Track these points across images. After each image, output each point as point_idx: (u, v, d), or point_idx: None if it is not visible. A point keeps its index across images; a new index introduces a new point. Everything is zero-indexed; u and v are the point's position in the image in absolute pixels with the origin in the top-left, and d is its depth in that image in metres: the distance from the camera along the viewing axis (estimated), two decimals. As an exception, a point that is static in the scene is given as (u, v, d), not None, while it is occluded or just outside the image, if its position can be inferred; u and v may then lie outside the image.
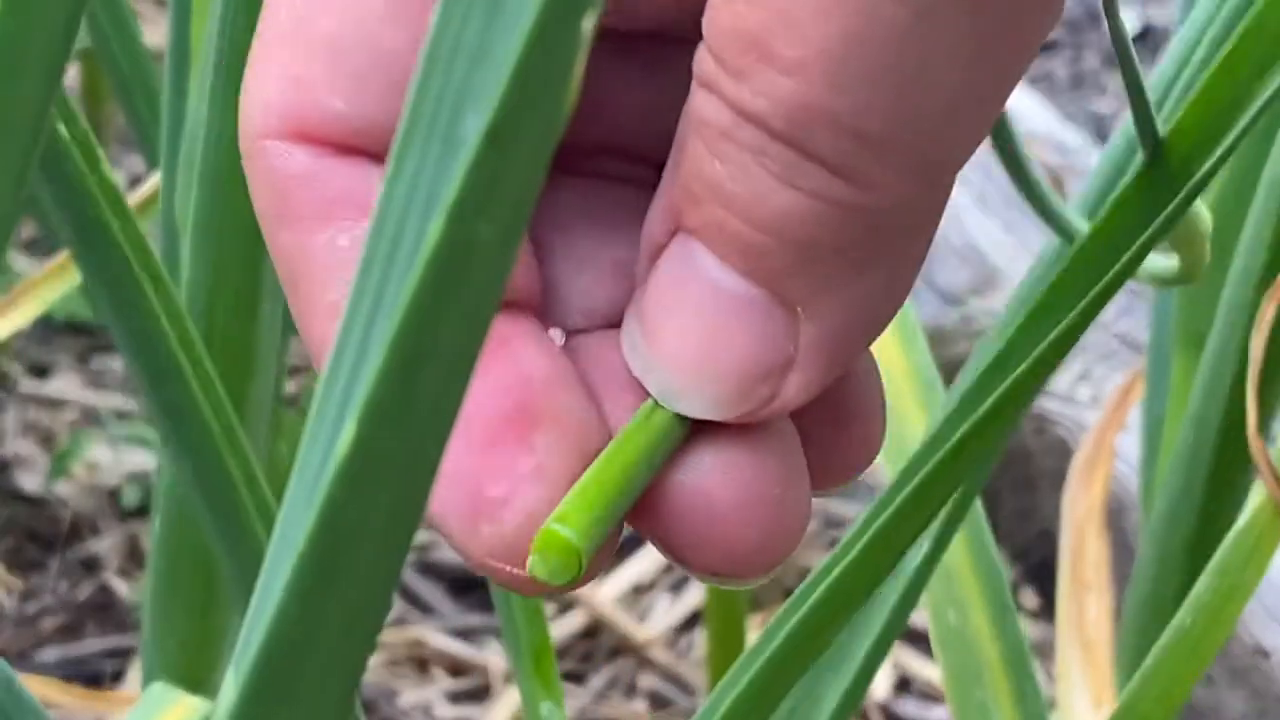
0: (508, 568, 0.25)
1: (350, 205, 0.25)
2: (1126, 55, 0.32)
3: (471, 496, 0.25)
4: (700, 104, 0.25)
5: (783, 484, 0.26)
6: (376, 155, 0.26)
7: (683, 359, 0.26)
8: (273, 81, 0.26)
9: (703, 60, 0.25)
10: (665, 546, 0.26)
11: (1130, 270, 0.31)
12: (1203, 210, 0.39)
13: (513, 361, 0.26)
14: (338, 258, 0.25)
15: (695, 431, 0.26)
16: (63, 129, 0.35)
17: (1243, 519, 0.53)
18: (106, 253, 0.36)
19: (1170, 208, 0.30)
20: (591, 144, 0.28)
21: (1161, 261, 0.37)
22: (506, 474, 0.25)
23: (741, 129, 0.25)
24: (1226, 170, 0.67)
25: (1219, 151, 0.30)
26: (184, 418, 0.37)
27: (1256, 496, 0.54)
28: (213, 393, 0.37)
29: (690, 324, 0.26)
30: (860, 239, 0.25)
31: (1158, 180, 0.31)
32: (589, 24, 0.16)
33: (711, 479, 0.26)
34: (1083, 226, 0.32)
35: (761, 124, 0.25)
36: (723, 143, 0.25)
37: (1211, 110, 0.30)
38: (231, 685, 0.20)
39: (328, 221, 0.25)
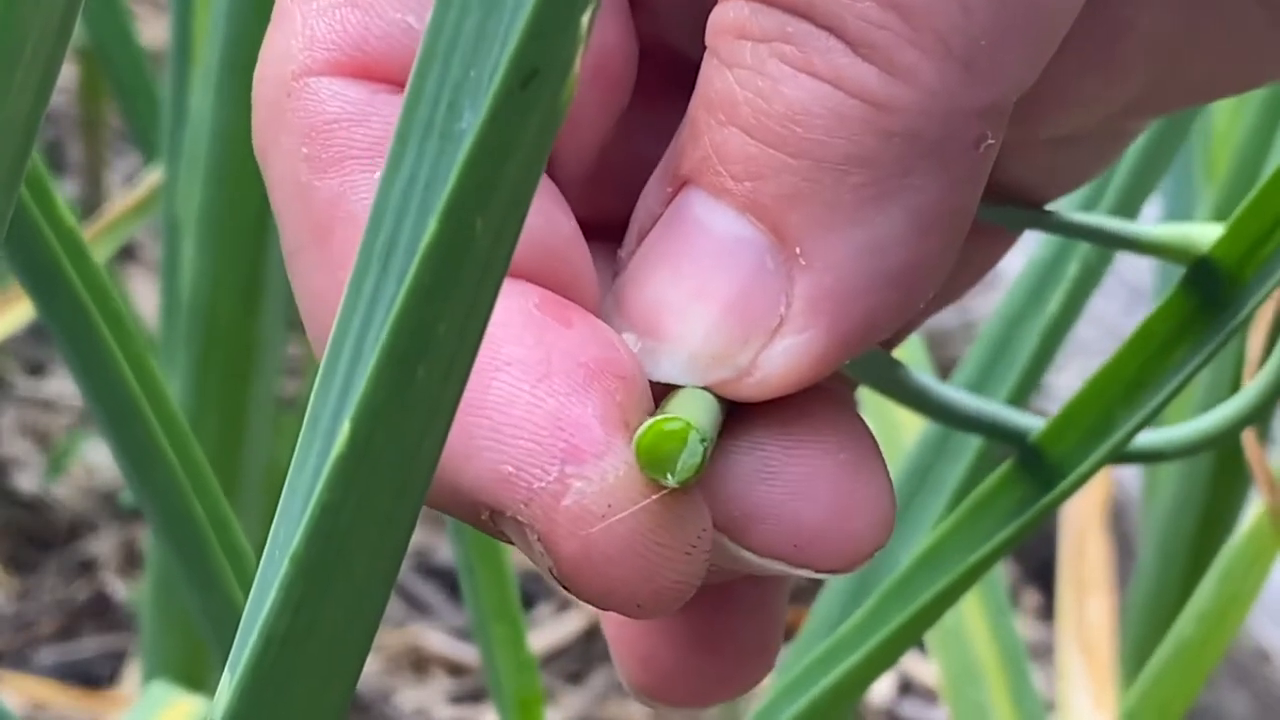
0: (605, 522, 0.21)
1: None
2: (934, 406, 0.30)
3: (558, 448, 0.22)
4: (717, 14, 0.23)
5: (847, 475, 0.23)
6: None
7: (657, 311, 0.23)
8: (319, 13, 0.23)
9: None
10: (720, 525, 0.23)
11: (994, 559, 0.30)
12: None
13: (591, 323, 0.23)
14: None
15: (750, 422, 0.23)
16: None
17: (1243, 527, 0.53)
18: (62, 297, 0.35)
19: (1041, 505, 0.29)
20: None
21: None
22: (604, 421, 0.22)
23: (760, 16, 0.22)
24: (1228, 171, 0.67)
25: (1095, 457, 0.28)
26: (149, 464, 0.37)
27: (1257, 504, 0.54)
28: (181, 440, 0.37)
29: (667, 276, 0.23)
30: (876, 153, 0.22)
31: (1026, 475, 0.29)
32: (586, 20, 0.16)
33: (764, 467, 0.23)
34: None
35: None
36: (735, 43, 0.22)
37: (1084, 422, 0.28)
38: (226, 686, 0.20)
39: (382, 159, 0.22)
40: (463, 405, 0.21)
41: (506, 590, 0.48)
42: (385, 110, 0.23)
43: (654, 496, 0.22)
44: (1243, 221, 0.27)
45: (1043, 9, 0.22)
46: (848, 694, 0.33)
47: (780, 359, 0.23)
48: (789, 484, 0.23)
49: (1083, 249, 0.50)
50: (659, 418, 0.22)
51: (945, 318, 0.99)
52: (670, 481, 0.22)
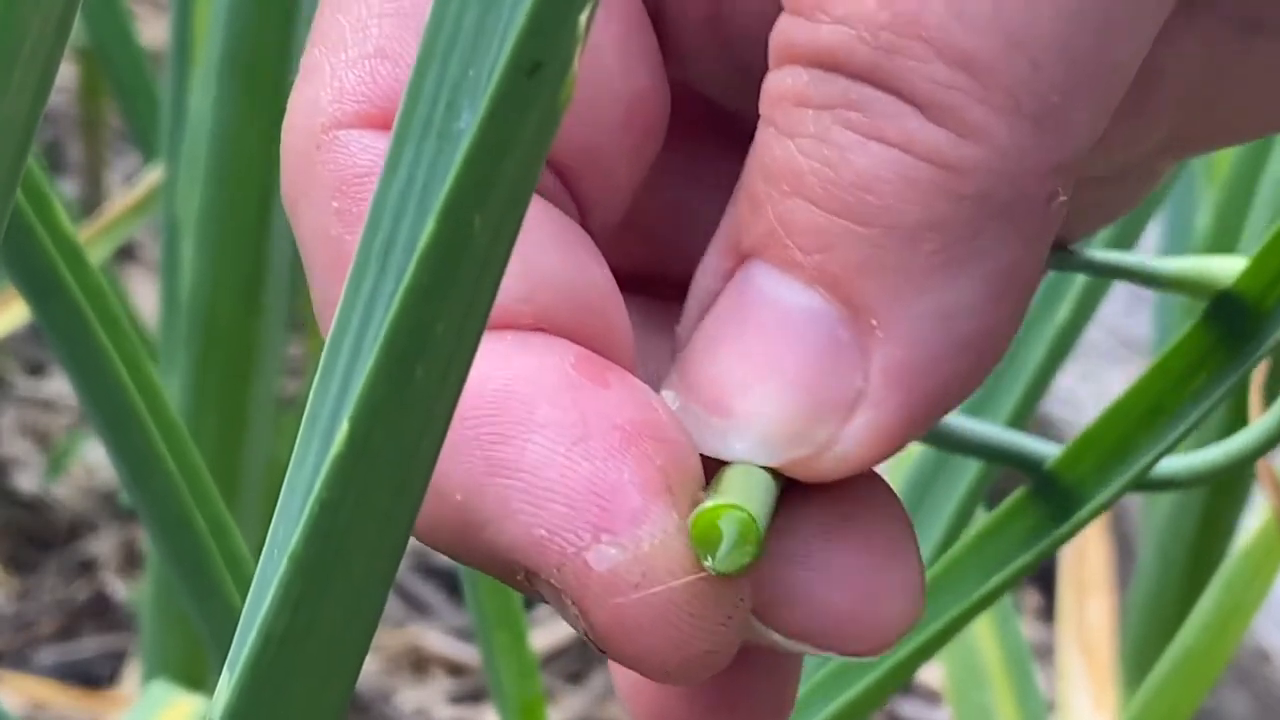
0: (639, 592, 0.21)
1: None
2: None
3: (593, 513, 0.21)
4: (772, 82, 0.22)
5: (880, 561, 0.23)
6: None
7: (725, 389, 0.22)
8: (349, 65, 0.23)
9: (776, 30, 0.22)
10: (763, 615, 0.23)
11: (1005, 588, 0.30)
12: None
13: (629, 384, 0.22)
14: None
15: (792, 495, 0.23)
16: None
17: (1247, 537, 0.53)
18: (59, 301, 0.35)
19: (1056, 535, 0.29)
20: None
21: None
22: (642, 486, 0.21)
23: (820, 83, 0.21)
24: (1228, 169, 0.67)
25: (1113, 487, 0.28)
26: (147, 469, 0.36)
27: (1261, 512, 0.54)
28: (179, 445, 0.37)
29: (735, 352, 0.22)
30: (949, 218, 0.21)
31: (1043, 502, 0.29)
32: (585, 19, 0.16)
33: (800, 550, 0.22)
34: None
35: (844, 64, 0.21)
36: (795, 111, 0.22)
37: (1100, 449, 0.28)
38: (225, 685, 0.20)
39: None
40: (500, 467, 0.21)
41: (508, 594, 0.48)
42: None
43: (695, 576, 0.21)
44: (1266, 255, 0.27)
45: (1109, 61, 0.22)
46: (856, 716, 0.33)
47: (860, 434, 0.22)
48: (823, 569, 0.23)
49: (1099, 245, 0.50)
50: (724, 502, 0.21)
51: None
52: (714, 568, 0.21)
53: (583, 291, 0.23)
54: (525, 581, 0.22)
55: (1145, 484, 0.31)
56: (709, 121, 0.26)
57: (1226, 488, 0.68)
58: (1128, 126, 0.25)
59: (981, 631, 0.58)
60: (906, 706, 0.93)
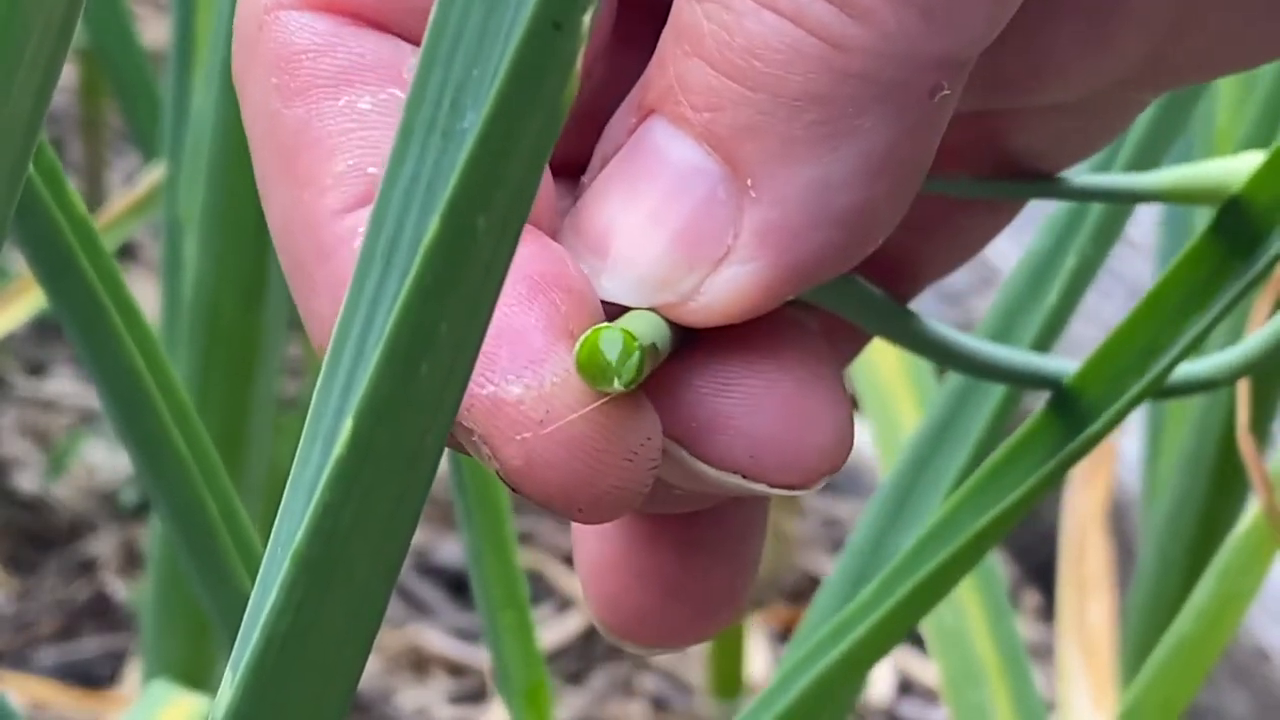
0: (544, 429, 0.22)
1: (374, 71, 0.23)
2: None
3: (499, 356, 0.22)
4: None
5: (803, 391, 0.24)
6: (403, 32, 0.24)
7: (608, 233, 0.23)
8: None
9: None
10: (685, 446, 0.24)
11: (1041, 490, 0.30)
12: None
13: (540, 240, 0.23)
14: (356, 120, 0.23)
15: (712, 344, 0.24)
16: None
17: (1242, 525, 0.53)
18: (76, 287, 0.35)
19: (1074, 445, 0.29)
20: None
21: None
22: (546, 330, 0.22)
23: None
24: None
25: (1130, 394, 0.28)
26: (159, 453, 0.37)
27: (1255, 502, 0.54)
28: (189, 427, 0.37)
29: (622, 200, 0.23)
30: (831, 92, 0.22)
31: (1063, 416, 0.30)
32: (588, 19, 0.16)
33: (723, 380, 0.24)
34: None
35: None
36: None
37: (1118, 364, 0.29)
38: (228, 685, 0.20)
39: (346, 87, 0.23)
40: None
41: (514, 579, 0.48)
42: (350, 42, 0.24)
43: (593, 405, 0.22)
44: (1276, 161, 0.27)
45: None
46: (891, 634, 0.33)
47: (724, 288, 0.23)
48: (744, 396, 0.24)
49: (1080, 241, 0.50)
50: (597, 327, 0.22)
51: (944, 315, 0.99)
52: (610, 388, 0.22)
53: None
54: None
55: (1164, 391, 0.31)
56: (651, 14, 0.26)
57: (1226, 488, 0.68)
58: (1094, 52, 0.25)
59: (977, 629, 0.58)
60: (904, 706, 0.93)
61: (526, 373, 0.22)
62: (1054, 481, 0.29)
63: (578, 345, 0.22)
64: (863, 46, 0.22)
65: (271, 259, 0.66)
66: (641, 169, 0.23)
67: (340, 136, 0.23)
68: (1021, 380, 0.30)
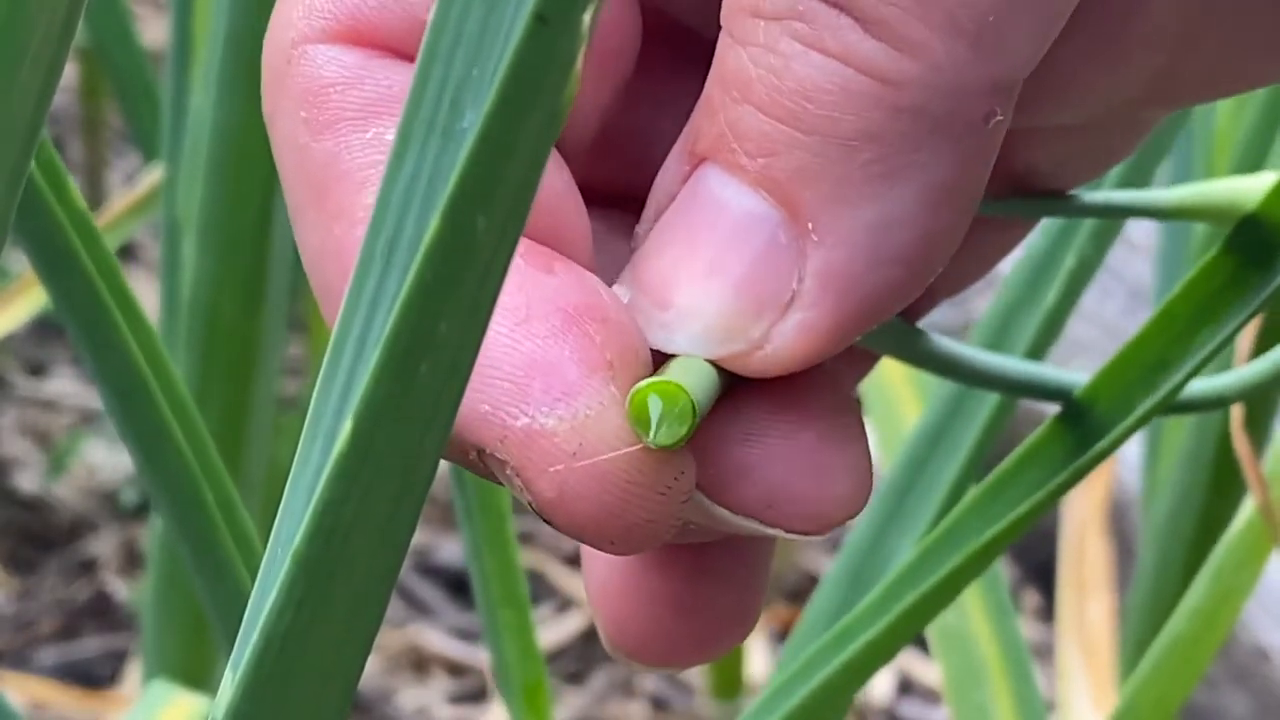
0: (577, 461, 0.22)
1: (400, 103, 0.23)
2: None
3: (533, 387, 0.22)
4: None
5: (826, 443, 0.24)
6: None
7: (670, 285, 0.23)
8: None
9: None
10: (716, 498, 0.24)
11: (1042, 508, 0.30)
12: None
13: (574, 272, 0.23)
14: (384, 152, 0.23)
15: (745, 384, 0.24)
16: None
17: (1237, 523, 0.53)
18: (75, 282, 0.35)
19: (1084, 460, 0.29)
20: None
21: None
22: (581, 362, 0.22)
23: None
24: (1229, 172, 0.67)
25: (1140, 410, 0.28)
26: (160, 450, 0.37)
27: (1251, 501, 0.54)
28: (189, 423, 0.37)
29: (683, 250, 0.23)
30: (885, 129, 0.22)
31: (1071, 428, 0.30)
32: (588, 18, 0.16)
33: (749, 430, 0.24)
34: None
35: None
36: (749, 21, 0.23)
37: (1128, 377, 0.29)
38: (229, 684, 0.20)
39: (374, 119, 0.24)
40: None
41: (514, 578, 0.48)
42: (378, 74, 0.24)
43: (632, 449, 0.22)
44: None
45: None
46: (895, 641, 0.33)
47: (790, 334, 0.23)
48: (767, 446, 0.24)
49: (1078, 242, 0.50)
50: (660, 379, 0.22)
51: (945, 316, 0.99)
52: (651, 442, 0.22)
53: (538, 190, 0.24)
54: (479, 461, 0.23)
55: (1173, 407, 0.31)
56: (680, 44, 0.26)
57: (1224, 488, 0.68)
58: (1107, 68, 0.25)
59: (979, 630, 0.58)
60: (905, 706, 0.93)
61: (560, 405, 0.22)
62: (1061, 494, 0.29)
63: (633, 391, 0.22)
64: (913, 80, 0.22)
65: (271, 259, 0.66)
66: (699, 219, 0.23)
67: (370, 169, 0.24)
68: (1032, 392, 0.30)
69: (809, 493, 0.24)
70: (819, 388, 0.24)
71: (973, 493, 0.31)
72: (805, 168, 0.23)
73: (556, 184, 0.24)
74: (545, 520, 0.23)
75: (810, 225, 0.23)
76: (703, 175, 0.23)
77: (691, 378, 0.23)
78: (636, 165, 0.26)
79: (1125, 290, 0.94)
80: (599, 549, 0.23)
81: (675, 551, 0.26)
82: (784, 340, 0.23)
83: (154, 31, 1.20)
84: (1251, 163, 0.65)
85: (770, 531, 0.24)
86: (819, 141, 0.22)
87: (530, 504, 0.23)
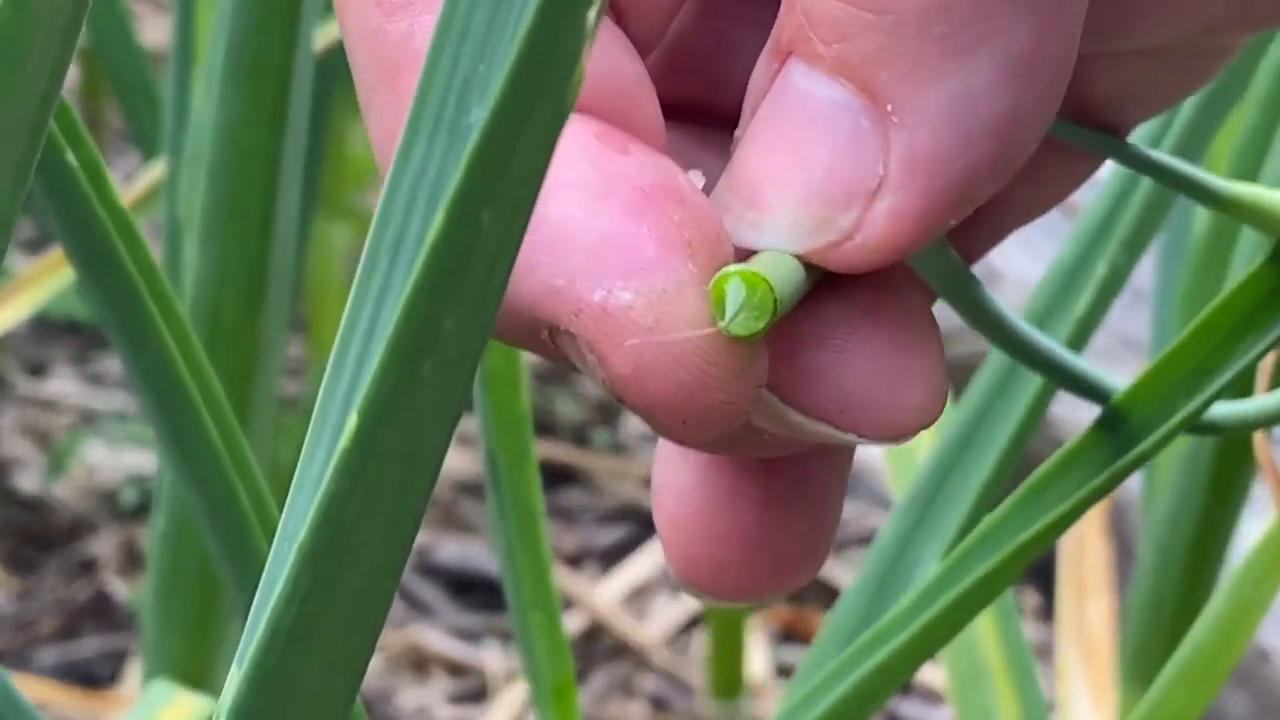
0: (653, 336, 0.22)
1: None
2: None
3: (610, 261, 0.22)
4: None
5: (900, 350, 0.23)
6: None
7: (758, 182, 0.23)
8: None
9: None
10: (798, 404, 0.24)
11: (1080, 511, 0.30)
12: None
13: (650, 153, 0.23)
14: None
15: (822, 288, 0.23)
16: (70, 156, 0.35)
17: (1259, 534, 0.53)
18: (115, 279, 0.36)
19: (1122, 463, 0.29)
20: None
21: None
22: (659, 240, 0.22)
23: None
24: (1226, 171, 0.67)
25: (1174, 420, 0.28)
26: (187, 434, 0.37)
27: (1263, 512, 0.54)
28: (220, 413, 0.37)
29: (768, 146, 0.23)
30: (956, 1, 0.22)
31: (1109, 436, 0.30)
32: (593, 15, 0.16)
33: (824, 333, 0.23)
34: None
35: None
36: None
37: (1167, 383, 0.29)
38: (235, 680, 0.20)
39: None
40: None
41: (545, 579, 0.48)
42: None
43: (709, 330, 0.22)
44: None
45: None
46: (938, 637, 0.33)
47: (881, 222, 0.23)
48: (843, 350, 0.23)
49: (1110, 250, 0.50)
50: (743, 267, 0.22)
51: (951, 315, 0.99)
52: (726, 328, 0.22)
53: (610, 76, 0.23)
54: (549, 342, 0.23)
55: (1198, 427, 0.31)
56: None
57: (1225, 490, 0.68)
58: None
59: (983, 631, 0.58)
60: (905, 706, 0.93)
61: (637, 280, 0.22)
62: (1098, 498, 0.29)
63: (714, 279, 0.22)
64: None
65: (272, 259, 0.66)
66: (784, 113, 0.23)
67: None
68: (1071, 383, 0.30)
69: (883, 399, 0.23)
70: (897, 296, 0.24)
71: (1012, 496, 0.31)
72: (880, 49, 0.22)
73: (627, 71, 0.24)
74: (618, 398, 0.23)
75: (890, 108, 0.22)
76: (787, 70, 0.23)
77: (776, 272, 0.23)
78: (717, 79, 0.26)
79: (1128, 291, 0.94)
80: (671, 433, 0.23)
81: (745, 484, 0.26)
82: (874, 229, 0.23)
83: (153, 32, 1.20)
84: (1250, 162, 0.65)
85: (843, 437, 0.24)
86: (891, 21, 0.22)
87: (603, 382, 0.23)
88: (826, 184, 0.23)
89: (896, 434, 0.24)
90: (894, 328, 0.24)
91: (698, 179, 0.24)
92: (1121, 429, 0.29)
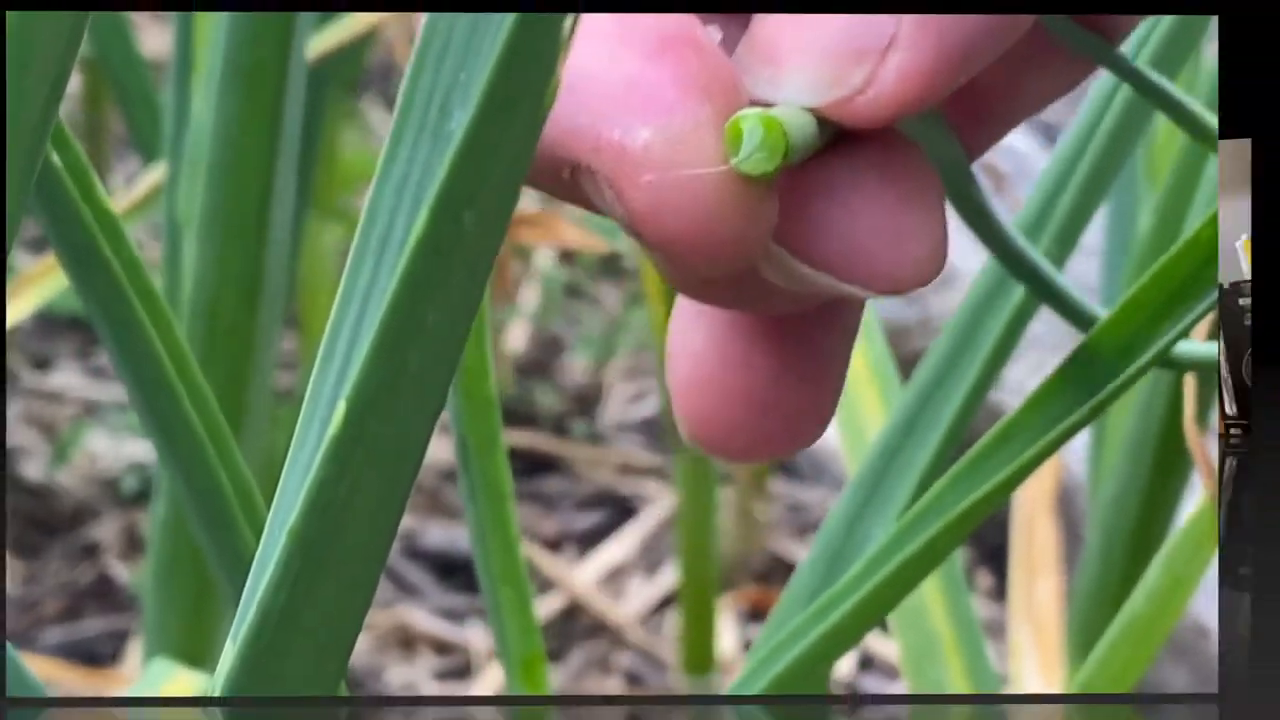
0: (671, 171, 0.22)
1: None
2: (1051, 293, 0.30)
3: (630, 101, 0.22)
4: None
5: (902, 204, 0.24)
6: None
7: (776, 41, 0.23)
8: None
9: None
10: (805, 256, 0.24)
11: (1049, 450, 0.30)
12: None
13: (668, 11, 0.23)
14: None
15: (829, 151, 0.24)
16: (55, 157, 0.35)
17: (1190, 512, 0.54)
18: (100, 278, 0.36)
19: (1100, 397, 0.29)
20: None
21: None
22: (677, 82, 0.22)
23: None
24: (1169, 171, 0.67)
25: (1145, 356, 0.29)
26: (178, 438, 0.37)
27: (1199, 492, 0.54)
28: (208, 413, 0.37)
29: (788, 9, 0.23)
30: None
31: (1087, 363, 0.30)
32: (568, 26, 0.16)
33: (830, 186, 0.23)
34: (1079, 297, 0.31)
35: None
36: None
37: (1139, 315, 0.29)
38: (229, 655, 0.20)
39: None
40: None
41: (513, 556, 0.48)
42: None
43: (724, 167, 0.22)
44: None
45: None
46: (900, 589, 0.33)
47: (892, 77, 0.23)
48: (849, 204, 0.24)
49: (1044, 243, 0.50)
50: (759, 111, 0.22)
51: (904, 313, 1.00)
52: (740, 165, 0.22)
53: None
54: (570, 180, 0.23)
55: (1166, 362, 0.31)
56: None
57: (1167, 476, 0.68)
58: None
59: (935, 609, 0.58)
60: (866, 683, 0.93)
61: (656, 119, 0.22)
62: (1073, 434, 0.29)
63: (729, 121, 0.22)
64: None
65: (267, 258, 0.66)
66: None
67: None
68: (1057, 303, 0.30)
69: (886, 251, 0.24)
70: (903, 157, 0.24)
71: (982, 440, 0.31)
72: None
73: None
74: (635, 234, 0.23)
75: None
76: None
77: (790, 120, 0.23)
78: None
79: (1079, 289, 0.95)
80: (686, 269, 0.23)
81: (758, 348, 0.26)
82: (885, 83, 0.23)
83: (153, 42, 1.20)
84: (1191, 166, 0.65)
85: (847, 289, 0.24)
86: None
87: (622, 219, 0.23)
88: (841, 42, 0.23)
89: (896, 286, 0.24)
90: (900, 184, 0.24)
91: (715, 34, 0.24)
92: (1091, 371, 0.29)
